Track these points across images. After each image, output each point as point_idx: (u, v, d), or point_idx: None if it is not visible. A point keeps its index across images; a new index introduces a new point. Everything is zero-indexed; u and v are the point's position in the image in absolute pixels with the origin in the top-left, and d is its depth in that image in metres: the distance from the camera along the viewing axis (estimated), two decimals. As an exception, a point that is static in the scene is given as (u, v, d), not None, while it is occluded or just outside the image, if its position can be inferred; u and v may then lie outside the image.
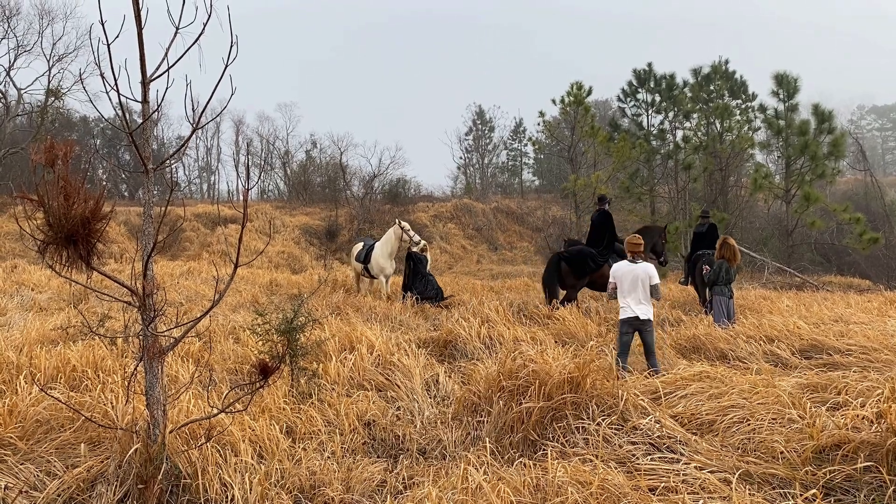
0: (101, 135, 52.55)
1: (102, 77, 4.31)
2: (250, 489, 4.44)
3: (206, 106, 4.38)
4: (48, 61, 39.17)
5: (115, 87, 4.28)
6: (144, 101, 4.50)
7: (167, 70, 4.50)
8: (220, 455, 4.73)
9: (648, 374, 7.11)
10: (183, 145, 4.56)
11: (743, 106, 32.31)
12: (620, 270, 7.79)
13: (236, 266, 4.43)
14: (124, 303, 4.43)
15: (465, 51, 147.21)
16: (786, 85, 28.04)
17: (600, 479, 4.08)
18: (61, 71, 39.86)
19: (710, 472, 4.51)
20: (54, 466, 4.67)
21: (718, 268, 10.35)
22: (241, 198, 4.63)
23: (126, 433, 4.56)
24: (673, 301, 14.40)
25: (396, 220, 15.98)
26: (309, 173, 51.05)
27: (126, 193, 50.77)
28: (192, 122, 4.51)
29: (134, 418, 4.93)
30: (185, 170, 59.72)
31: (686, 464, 4.66)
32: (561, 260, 12.84)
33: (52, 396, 5.05)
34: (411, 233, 15.23)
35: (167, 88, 4.39)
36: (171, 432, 4.57)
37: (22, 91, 39.55)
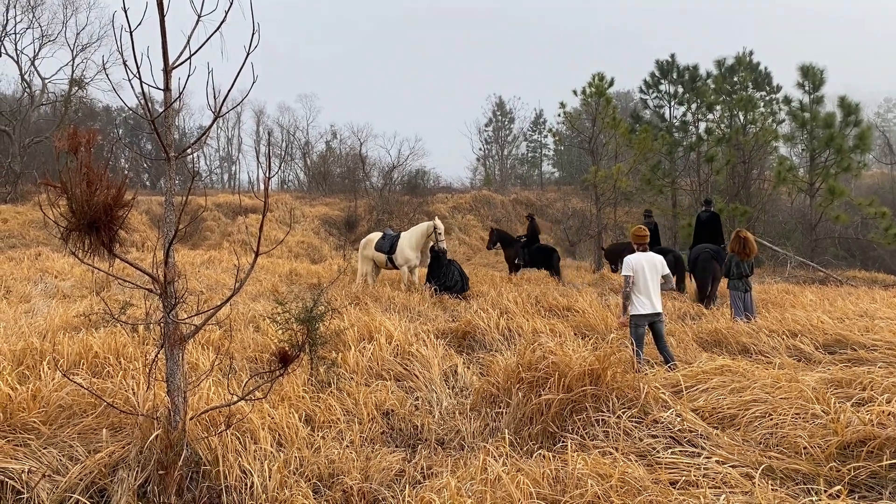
0: (123, 124, 53.07)
1: (125, 65, 4.32)
2: (269, 476, 4.46)
3: (227, 94, 4.38)
4: (72, 51, 39.68)
5: (137, 75, 4.29)
6: (166, 88, 4.50)
7: (189, 58, 4.50)
8: (240, 442, 4.75)
9: (668, 367, 7.08)
10: (204, 133, 4.57)
11: (767, 98, 31.87)
12: (639, 262, 7.67)
13: (257, 254, 4.44)
14: (146, 290, 4.45)
15: (485, 41, 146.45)
16: (811, 76, 27.61)
17: (620, 472, 4.04)
18: (85, 60, 40.39)
19: (732, 466, 4.46)
20: (76, 451, 4.71)
21: (728, 262, 10.25)
22: (262, 187, 4.64)
23: (147, 419, 4.59)
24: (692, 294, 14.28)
25: (435, 218, 16.10)
26: (328, 164, 51.22)
27: (148, 183, 51.27)
28: (213, 110, 4.51)
29: (155, 405, 4.96)
30: (206, 160, 60.16)
31: (707, 458, 4.61)
32: (712, 257, 12.90)
33: (75, 382, 5.10)
34: (442, 237, 15.24)
35: (189, 76, 4.40)
36: (191, 419, 4.59)
37: (46, 80, 40.04)
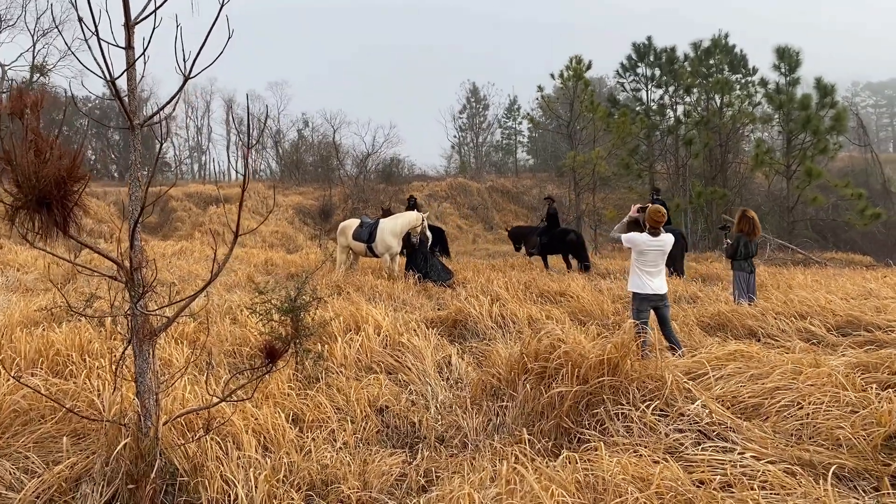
0: (90, 114, 51.46)
1: (80, 21, 3.73)
2: (255, 487, 3.92)
3: (200, 51, 3.81)
4: (32, 36, 38.29)
5: (94, 32, 3.70)
6: (128, 46, 3.91)
7: (154, 11, 3.93)
8: (221, 448, 4.21)
9: (677, 355, 6.65)
10: (175, 95, 3.98)
11: (743, 80, 31.68)
12: (647, 243, 7.24)
13: (236, 235, 3.89)
14: (110, 278, 3.88)
15: (458, 27, 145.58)
16: (787, 58, 27.52)
17: (659, 475, 3.57)
18: (46, 46, 38.99)
19: (770, 462, 4.03)
20: (33, 463, 4.13)
21: (736, 242, 9.88)
22: (235, 175, 4.08)
23: (114, 426, 4.02)
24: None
25: (425, 211, 15.73)
26: (301, 152, 50.18)
27: (116, 174, 49.86)
28: (183, 72, 3.94)
29: (123, 408, 4.38)
30: (175, 150, 58.70)
31: (741, 454, 4.18)
32: (682, 235, 14.54)
33: (27, 385, 4.50)
34: (426, 227, 14.79)
35: (154, 29, 3.82)
36: (164, 424, 4.04)
37: (6, 67, 38.60)
